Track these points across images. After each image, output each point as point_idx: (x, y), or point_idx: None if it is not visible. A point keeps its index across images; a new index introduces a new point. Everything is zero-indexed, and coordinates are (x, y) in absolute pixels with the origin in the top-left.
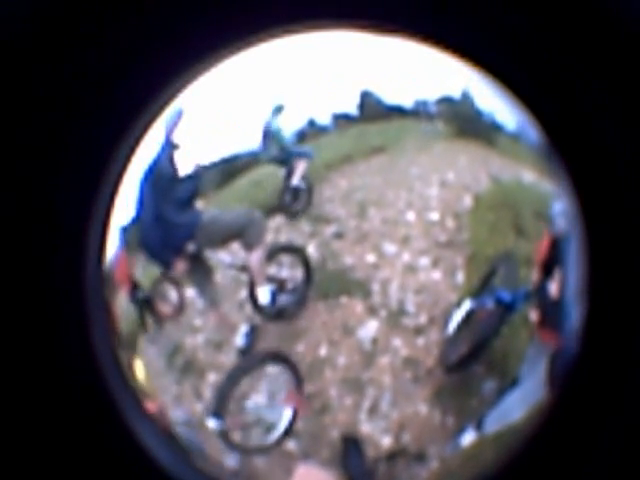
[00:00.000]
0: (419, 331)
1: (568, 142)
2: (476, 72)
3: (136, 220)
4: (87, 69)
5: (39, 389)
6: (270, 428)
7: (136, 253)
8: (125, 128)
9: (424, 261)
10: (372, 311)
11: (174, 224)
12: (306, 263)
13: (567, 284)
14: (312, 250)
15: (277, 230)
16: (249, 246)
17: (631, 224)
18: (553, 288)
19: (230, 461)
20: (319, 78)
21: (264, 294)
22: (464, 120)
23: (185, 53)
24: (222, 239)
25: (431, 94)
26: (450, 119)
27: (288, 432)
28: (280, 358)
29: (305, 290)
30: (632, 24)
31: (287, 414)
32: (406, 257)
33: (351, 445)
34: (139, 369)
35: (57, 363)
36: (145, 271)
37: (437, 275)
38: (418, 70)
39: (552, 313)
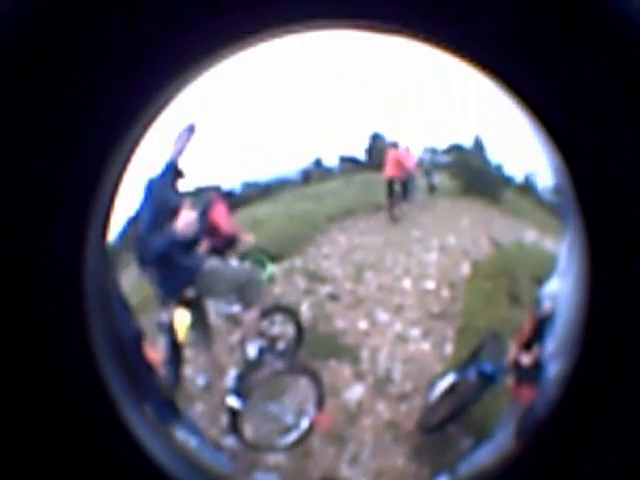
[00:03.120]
0: (403, 398)
1: (569, 144)
2: (476, 72)
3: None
4: (87, 69)
5: (39, 389)
6: (285, 432)
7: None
8: (125, 128)
9: (415, 332)
10: (359, 376)
11: (178, 265)
12: (298, 325)
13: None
14: (305, 309)
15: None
16: (246, 304)
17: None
18: (525, 359)
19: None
20: (328, 106)
21: (252, 349)
22: (472, 173)
23: (185, 53)
24: (220, 292)
25: (441, 142)
26: (457, 172)
27: (299, 442)
28: (310, 372)
29: (295, 350)
30: (634, 24)
31: (305, 424)
32: (398, 327)
33: None
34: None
35: (57, 363)
36: (135, 286)
37: (426, 346)
38: (418, 71)
39: (526, 376)
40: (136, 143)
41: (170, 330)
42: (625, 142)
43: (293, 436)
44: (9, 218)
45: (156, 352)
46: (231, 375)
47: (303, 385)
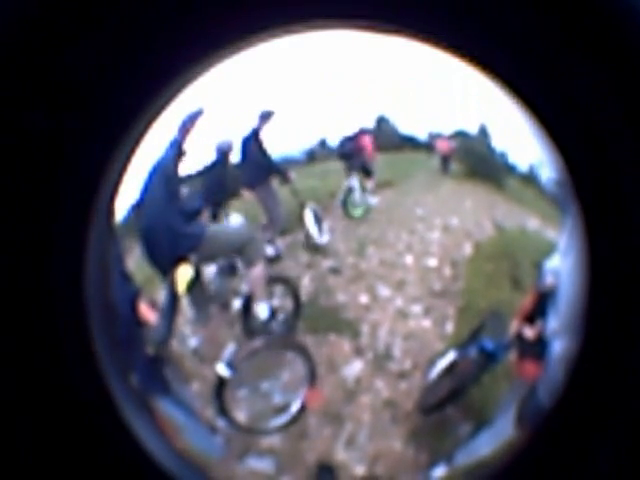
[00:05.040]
0: (402, 376)
1: (568, 143)
2: (476, 72)
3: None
4: (87, 69)
5: (39, 389)
6: (276, 412)
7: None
8: (125, 128)
9: (416, 308)
10: (359, 352)
11: (180, 234)
12: (297, 298)
13: (549, 325)
14: (306, 282)
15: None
16: (250, 262)
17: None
18: (529, 332)
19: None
20: (332, 93)
21: (263, 310)
22: (476, 159)
23: (185, 53)
24: (223, 253)
25: (446, 127)
26: (462, 157)
27: (292, 422)
28: (301, 350)
29: (293, 322)
30: (634, 24)
31: (296, 403)
32: (399, 302)
33: (325, 471)
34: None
35: (57, 363)
36: (139, 266)
37: (427, 323)
38: (418, 71)
39: (530, 350)
40: (136, 143)
41: (171, 282)
42: (624, 141)
43: (285, 417)
44: (8, 218)
45: (151, 311)
46: (228, 349)
47: (294, 363)
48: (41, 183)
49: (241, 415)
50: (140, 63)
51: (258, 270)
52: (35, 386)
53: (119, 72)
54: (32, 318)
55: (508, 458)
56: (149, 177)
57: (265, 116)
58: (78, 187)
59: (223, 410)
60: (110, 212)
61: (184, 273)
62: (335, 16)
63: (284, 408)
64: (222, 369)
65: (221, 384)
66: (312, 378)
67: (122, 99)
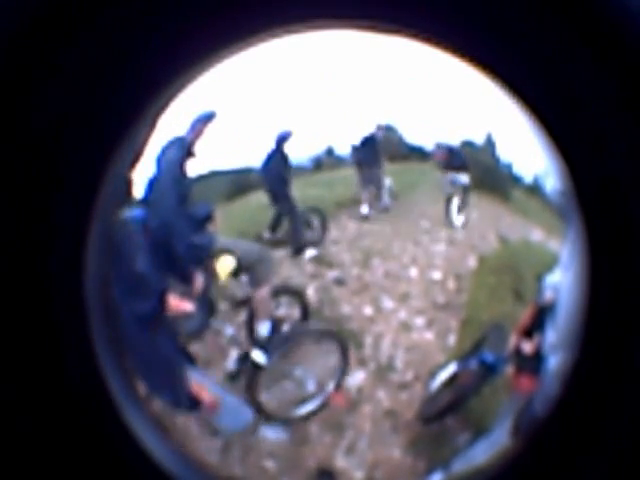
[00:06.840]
0: (404, 387)
1: (569, 144)
2: (477, 72)
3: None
4: (86, 69)
5: (39, 389)
6: (302, 401)
7: None
8: (125, 128)
9: (419, 321)
10: (362, 362)
11: (190, 243)
12: (304, 307)
13: (547, 340)
14: (311, 292)
15: (279, 264)
16: (257, 282)
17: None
18: (527, 347)
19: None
20: (336, 99)
21: (264, 328)
22: (482, 170)
23: (185, 53)
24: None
25: (453, 138)
26: (469, 168)
27: (313, 415)
28: (338, 339)
29: (300, 332)
30: (635, 24)
31: (321, 398)
32: (402, 314)
33: (325, 476)
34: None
35: (57, 363)
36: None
37: (429, 336)
38: (418, 71)
39: (527, 364)
40: (137, 142)
41: (210, 272)
42: (625, 142)
43: (308, 407)
44: (8, 219)
45: (185, 302)
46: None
47: (330, 357)
48: (41, 183)
49: (269, 400)
50: (140, 63)
51: (263, 292)
52: (33, 385)
53: (119, 72)
54: (31, 316)
55: (502, 466)
56: (156, 176)
57: (201, 123)
58: (78, 187)
59: (252, 397)
60: (112, 210)
61: (225, 263)
62: (335, 16)
63: (310, 397)
64: (258, 356)
65: (256, 369)
66: (344, 374)
67: (122, 99)
